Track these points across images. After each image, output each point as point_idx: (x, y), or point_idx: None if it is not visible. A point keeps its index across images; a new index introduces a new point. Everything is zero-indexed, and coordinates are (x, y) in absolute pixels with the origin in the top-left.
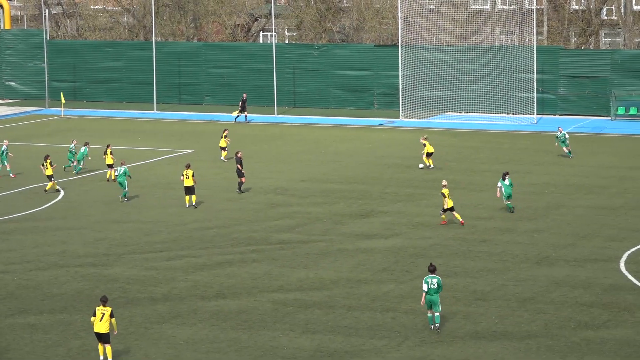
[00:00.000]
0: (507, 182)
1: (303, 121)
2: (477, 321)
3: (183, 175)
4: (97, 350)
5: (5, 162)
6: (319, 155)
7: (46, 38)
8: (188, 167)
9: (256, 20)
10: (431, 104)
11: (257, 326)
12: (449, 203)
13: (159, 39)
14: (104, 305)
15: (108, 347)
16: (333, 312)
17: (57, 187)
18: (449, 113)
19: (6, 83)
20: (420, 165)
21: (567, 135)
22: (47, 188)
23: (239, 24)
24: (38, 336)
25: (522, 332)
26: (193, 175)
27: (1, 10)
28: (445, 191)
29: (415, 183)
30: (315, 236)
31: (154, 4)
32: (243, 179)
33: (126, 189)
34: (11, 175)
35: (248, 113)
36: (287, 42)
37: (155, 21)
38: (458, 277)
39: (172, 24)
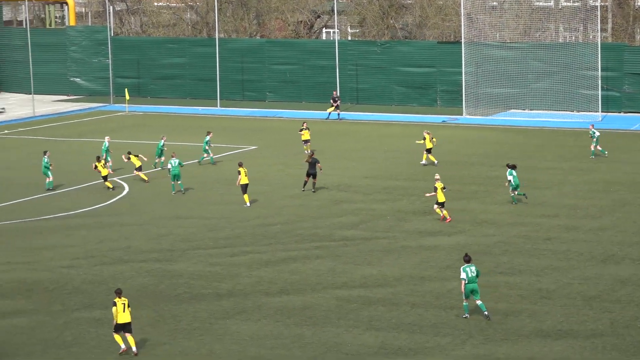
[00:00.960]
0: (515, 173)
1: (366, 118)
2: (542, 319)
3: (241, 173)
4: (118, 341)
5: (108, 157)
6: (381, 152)
7: (110, 35)
8: (241, 164)
9: (319, 17)
10: (495, 101)
11: (321, 322)
12: (440, 197)
13: (222, 35)
14: (120, 297)
15: (131, 337)
16: (397, 309)
17: (111, 185)
18: (512, 110)
19: (71, 79)
20: (423, 162)
21: (597, 134)
22: (110, 186)
23: (301, 21)
24: (103, 330)
25: (587, 331)
26: (247, 175)
27: (66, 7)
28: (439, 185)
29: (479, 180)
30: (378, 233)
31: (217, 1)
32: (315, 180)
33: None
34: (110, 171)
35: (337, 110)
36: (349, 38)
37: (218, 18)
38: (523, 275)
39: (235, 20)
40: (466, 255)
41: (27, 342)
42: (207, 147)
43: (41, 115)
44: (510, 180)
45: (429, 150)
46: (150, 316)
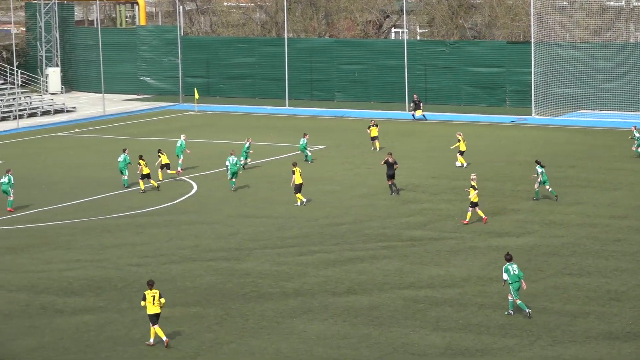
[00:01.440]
0: (541, 170)
1: (434, 118)
2: (611, 321)
3: (295, 173)
4: (159, 335)
5: (180, 156)
6: (449, 152)
7: (180, 34)
8: (296, 164)
9: (388, 16)
10: (564, 102)
11: (388, 322)
12: (474, 197)
13: (291, 35)
14: (151, 289)
15: (159, 328)
16: (464, 309)
17: (156, 183)
18: (582, 111)
19: (141, 79)
20: (458, 164)
21: (637, 135)
22: (142, 188)
23: (370, 21)
24: (171, 329)
25: None
26: (301, 174)
27: (137, 7)
28: (474, 185)
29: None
30: (446, 233)
31: (287, 1)
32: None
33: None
34: (179, 169)
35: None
36: (418, 38)
37: (287, 17)
38: (591, 277)
39: (304, 20)
40: (507, 254)
41: (95, 339)
42: (245, 153)
43: (111, 114)
44: (540, 174)
45: (462, 153)
46: (217, 315)
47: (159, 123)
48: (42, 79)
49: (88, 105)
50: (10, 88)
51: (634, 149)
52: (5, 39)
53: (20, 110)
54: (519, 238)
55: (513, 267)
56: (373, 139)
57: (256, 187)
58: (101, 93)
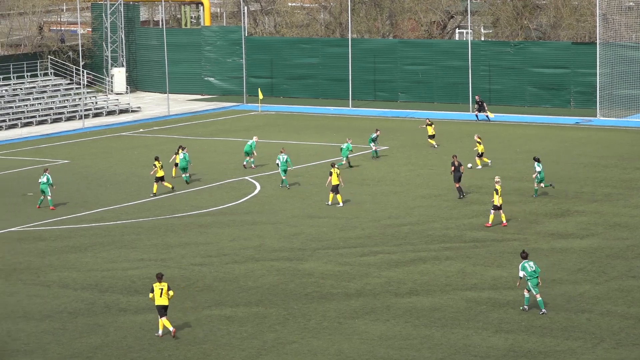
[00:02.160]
0: (539, 168)
1: (498, 119)
2: None
3: (332, 174)
4: (166, 325)
5: (249, 155)
6: (513, 153)
7: (244, 35)
8: (334, 165)
9: (452, 17)
10: (630, 103)
11: (450, 324)
12: (498, 200)
13: (354, 35)
14: (160, 281)
15: (166, 320)
16: (527, 311)
17: (170, 185)
18: None
19: (205, 79)
20: (470, 165)
21: None
22: (154, 191)
23: (434, 21)
24: (234, 328)
25: None
26: (338, 175)
27: (201, 7)
28: (498, 188)
29: (613, 183)
30: (509, 235)
31: (351, 1)
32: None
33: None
34: (252, 166)
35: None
36: (482, 39)
37: (351, 18)
38: None
39: (368, 21)
40: (523, 251)
41: (158, 338)
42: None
43: (175, 115)
44: (538, 172)
45: (480, 155)
46: (279, 315)
47: (222, 123)
48: (107, 79)
49: (152, 105)
50: (77, 88)
51: None
52: (72, 40)
53: (85, 110)
54: (583, 240)
55: (530, 264)
56: (430, 137)
57: (319, 188)
58: (166, 93)
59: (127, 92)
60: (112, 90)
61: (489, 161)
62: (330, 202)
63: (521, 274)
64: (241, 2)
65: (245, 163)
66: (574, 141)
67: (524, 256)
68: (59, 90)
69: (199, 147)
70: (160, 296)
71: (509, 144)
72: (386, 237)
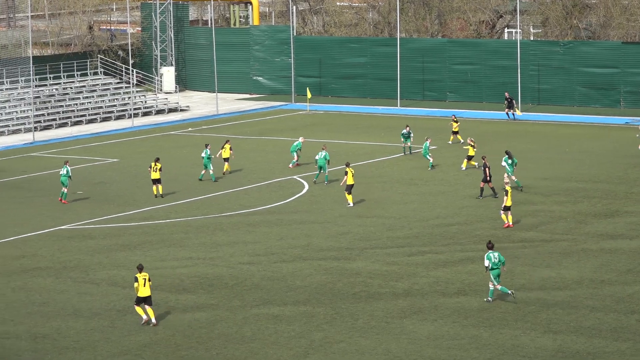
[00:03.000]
0: (510, 162)
1: (546, 119)
2: None
3: (348, 174)
4: (139, 313)
5: (294, 154)
6: (562, 153)
7: (293, 34)
8: (348, 165)
9: (501, 16)
10: None
11: (498, 324)
12: (508, 201)
13: (403, 35)
14: (141, 272)
15: (150, 309)
16: (576, 312)
17: (161, 193)
18: None
19: (254, 78)
20: (463, 167)
21: None
22: (156, 192)
23: (483, 21)
24: (282, 327)
25: None
26: (353, 175)
27: (250, 7)
28: (508, 188)
29: None
30: (558, 235)
31: (399, 1)
32: (489, 184)
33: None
34: (293, 165)
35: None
36: (531, 38)
37: (400, 18)
38: None
39: (417, 20)
40: (489, 242)
41: (207, 336)
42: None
43: (224, 114)
44: (508, 166)
45: (470, 158)
46: (327, 314)
47: (271, 122)
48: (156, 78)
49: (201, 104)
50: (126, 87)
51: None
52: (122, 39)
53: (135, 109)
54: (633, 240)
55: (494, 255)
56: (454, 133)
57: (367, 187)
58: (214, 92)
59: (176, 91)
60: (161, 90)
61: (476, 164)
62: (351, 204)
63: (486, 263)
64: (290, 2)
65: (291, 165)
66: (624, 141)
67: (490, 247)
68: (108, 89)
69: (247, 146)
70: (144, 286)
71: (558, 143)
72: (434, 237)
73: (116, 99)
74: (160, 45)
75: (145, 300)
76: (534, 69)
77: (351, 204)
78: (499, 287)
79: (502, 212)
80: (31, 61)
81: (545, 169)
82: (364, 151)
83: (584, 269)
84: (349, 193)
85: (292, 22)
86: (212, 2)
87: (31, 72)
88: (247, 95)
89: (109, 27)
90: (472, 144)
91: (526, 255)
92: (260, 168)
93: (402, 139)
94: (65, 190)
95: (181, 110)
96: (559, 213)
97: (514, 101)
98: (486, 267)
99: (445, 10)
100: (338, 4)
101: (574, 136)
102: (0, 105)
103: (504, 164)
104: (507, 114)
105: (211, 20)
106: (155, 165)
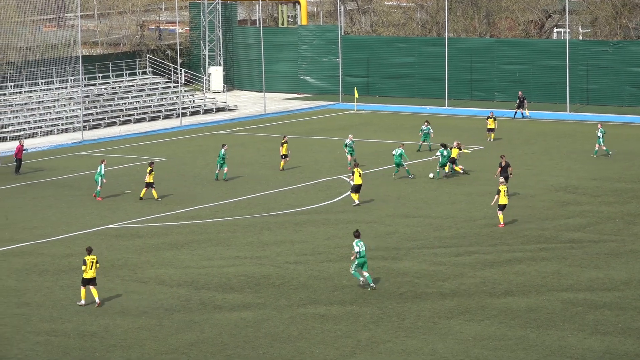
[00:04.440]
0: (445, 153)
1: (594, 119)
2: None
3: (355, 174)
4: (81, 295)
5: (350, 154)
6: (610, 154)
7: (341, 34)
8: (357, 165)
9: (550, 16)
10: None
11: (545, 325)
12: (503, 200)
13: (451, 35)
14: (90, 254)
15: (94, 289)
16: (624, 313)
17: (157, 196)
18: None
19: (301, 78)
20: (461, 169)
21: (599, 134)
22: (142, 196)
23: (532, 20)
24: (328, 326)
25: None
26: (360, 175)
27: (298, 6)
28: (502, 188)
29: None
30: (606, 236)
31: (448, 0)
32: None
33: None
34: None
35: (529, 109)
36: (580, 38)
37: (448, 17)
38: None
39: (465, 20)
40: (356, 231)
41: (253, 335)
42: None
43: (271, 113)
44: (440, 156)
45: (453, 160)
46: (374, 314)
47: (318, 122)
48: (204, 77)
49: (249, 103)
50: (174, 86)
51: (597, 147)
52: (170, 38)
53: (183, 108)
54: None
55: (360, 244)
56: (489, 130)
57: (414, 187)
58: (262, 92)
59: (224, 91)
60: (209, 89)
61: (462, 169)
62: (358, 202)
63: (356, 248)
64: (338, 2)
65: (349, 162)
66: None
67: (357, 235)
68: (156, 88)
69: (294, 145)
70: (91, 268)
71: (606, 144)
72: (481, 237)
73: (164, 98)
74: (209, 45)
75: (90, 282)
76: (583, 69)
77: (357, 202)
78: (366, 274)
79: (499, 211)
80: (80, 61)
81: (593, 169)
82: (411, 151)
83: (633, 270)
84: (356, 192)
85: (340, 21)
86: (260, 2)
87: (80, 72)
88: (295, 95)
89: (157, 27)
90: (459, 147)
91: (574, 256)
92: (307, 168)
93: (421, 136)
94: (98, 188)
95: (229, 109)
96: (607, 214)
97: (525, 101)
98: (356, 252)
99: (493, 10)
100: (386, 3)
101: (623, 136)
102: (49, 104)
103: (438, 154)
104: (515, 113)
105: (259, 19)
106: (149, 168)
